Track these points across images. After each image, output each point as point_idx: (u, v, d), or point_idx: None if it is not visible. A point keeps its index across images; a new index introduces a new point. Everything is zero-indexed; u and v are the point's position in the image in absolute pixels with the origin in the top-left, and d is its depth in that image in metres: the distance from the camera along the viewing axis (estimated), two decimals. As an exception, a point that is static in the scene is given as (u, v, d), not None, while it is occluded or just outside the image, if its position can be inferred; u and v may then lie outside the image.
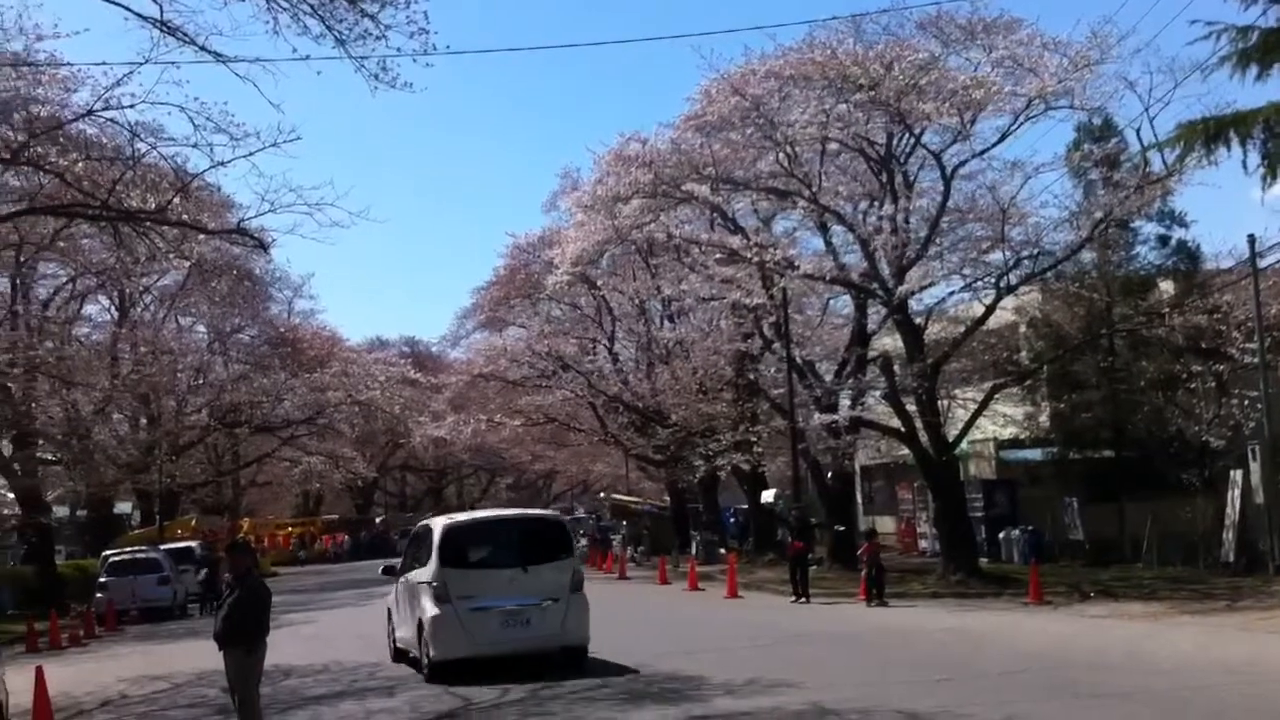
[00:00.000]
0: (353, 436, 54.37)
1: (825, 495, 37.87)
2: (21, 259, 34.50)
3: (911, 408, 29.82)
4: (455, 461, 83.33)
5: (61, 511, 58.50)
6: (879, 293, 29.81)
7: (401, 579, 18.93)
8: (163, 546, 38.09)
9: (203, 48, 17.21)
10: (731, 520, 49.09)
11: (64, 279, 39.98)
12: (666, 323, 46.82)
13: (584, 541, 53.09)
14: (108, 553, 35.61)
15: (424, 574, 17.32)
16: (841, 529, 35.88)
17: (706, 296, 37.98)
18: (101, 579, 33.56)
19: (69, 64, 23.68)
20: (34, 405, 35.79)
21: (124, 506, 60.79)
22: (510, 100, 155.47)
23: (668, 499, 55.86)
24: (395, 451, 74.20)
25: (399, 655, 19.06)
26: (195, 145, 21.03)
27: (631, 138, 34.01)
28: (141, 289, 44.40)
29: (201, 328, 49.68)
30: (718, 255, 33.58)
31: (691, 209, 34.59)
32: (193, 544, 41.47)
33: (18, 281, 36.47)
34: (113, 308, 45.64)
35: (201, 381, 48.80)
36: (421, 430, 50.12)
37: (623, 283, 44.98)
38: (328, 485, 65.74)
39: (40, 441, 38.75)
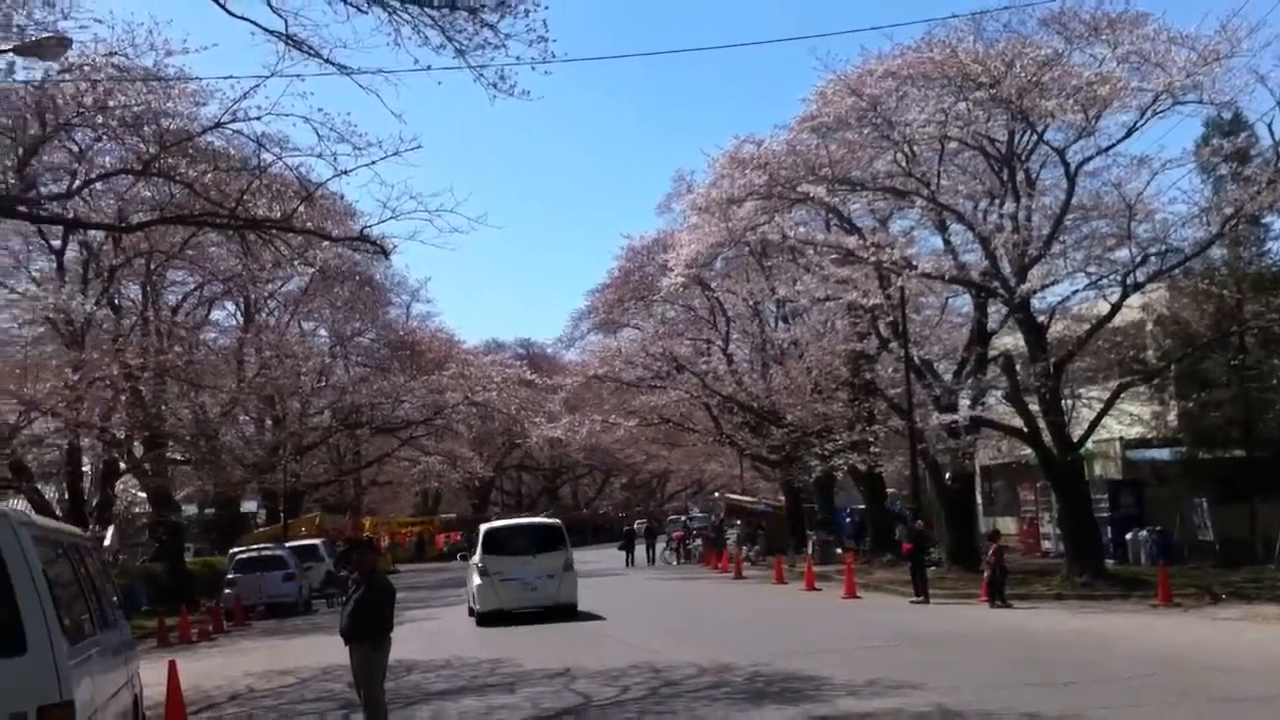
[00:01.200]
0: (470, 437, 55.05)
1: (944, 496, 37.32)
2: (152, 266, 35.61)
3: (1034, 407, 29.31)
4: (570, 461, 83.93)
5: (190, 510, 60.16)
6: (1000, 291, 29.34)
7: (469, 562, 29.11)
8: (287, 544, 38.99)
9: (327, 60, 17.56)
10: (848, 520, 48.63)
11: (192, 285, 41.17)
12: (781, 323, 46.63)
13: (698, 541, 53.36)
14: (235, 550, 36.61)
15: (476, 558, 27.48)
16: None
17: (822, 297, 37.66)
18: (229, 575, 34.54)
19: (198, 78, 24.44)
20: (164, 408, 36.81)
21: (250, 505, 62.19)
22: (624, 104, 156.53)
23: (783, 499, 55.65)
24: (511, 451, 74.99)
25: (470, 611, 27.87)
26: (319, 155, 21.64)
27: (746, 140, 33.99)
28: (266, 294, 45.53)
29: (323, 331, 50.84)
30: (833, 256, 33.34)
31: (807, 210, 34.47)
32: (316, 541, 42.40)
33: (148, 288, 37.58)
34: (239, 313, 46.94)
35: (324, 384, 49.75)
36: (538, 430, 50.60)
37: (737, 284, 44.92)
38: (446, 484, 66.68)
39: (170, 443, 39.84)
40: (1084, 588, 26.77)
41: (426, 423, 51.13)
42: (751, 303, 46.25)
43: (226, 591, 33.65)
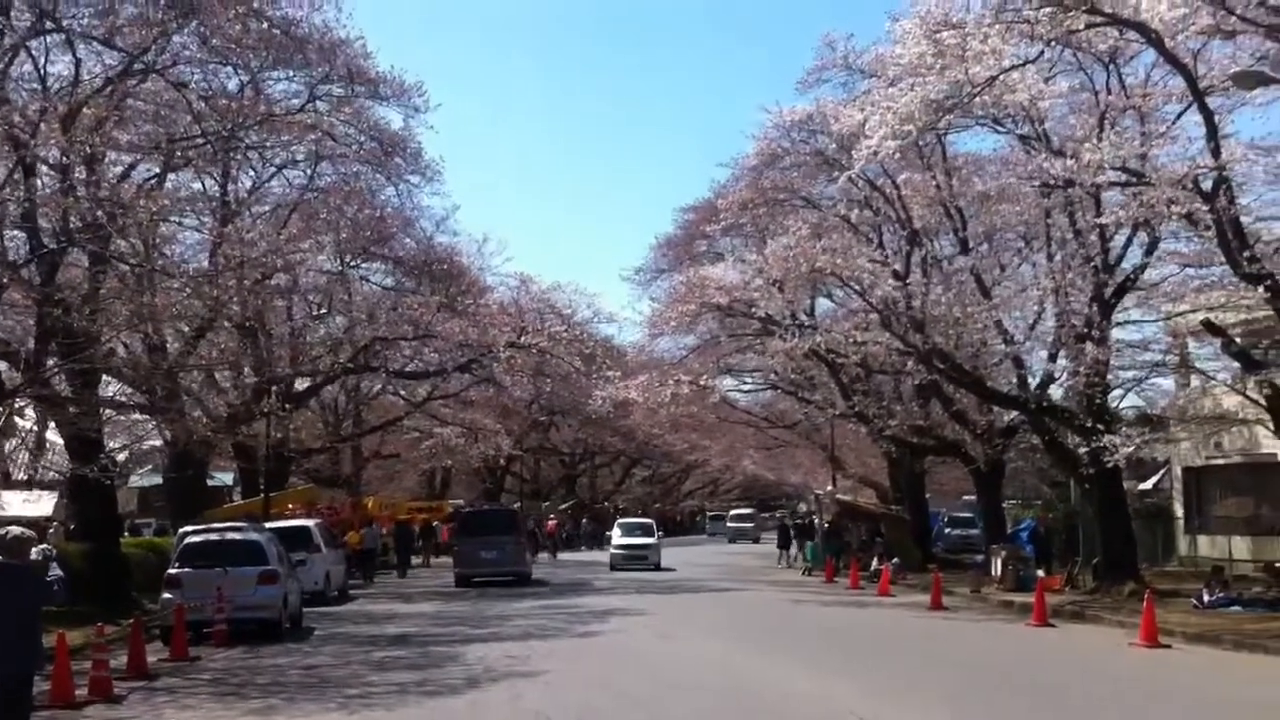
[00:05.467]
0: (514, 394, 42.97)
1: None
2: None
3: None
4: (597, 447, 72.87)
5: (140, 480, 48.69)
6: None
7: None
8: (269, 525, 27.02)
9: None
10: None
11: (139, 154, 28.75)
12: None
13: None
14: (185, 530, 24.23)
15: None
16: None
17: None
18: (172, 570, 22.14)
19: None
20: (100, 324, 24.65)
21: (225, 478, 50.99)
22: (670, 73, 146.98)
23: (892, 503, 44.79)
24: (531, 432, 63.30)
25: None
26: None
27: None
28: (248, 190, 34.04)
29: (326, 246, 37.64)
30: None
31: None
32: (309, 523, 30.62)
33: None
34: (214, 212, 34.13)
35: (324, 310, 37.61)
36: (605, 390, 38.48)
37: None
38: (460, 464, 54.85)
39: (106, 378, 28.03)
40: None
41: (469, 366, 38.00)
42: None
43: (166, 596, 21.40)
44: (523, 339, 37.15)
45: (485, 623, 24.65)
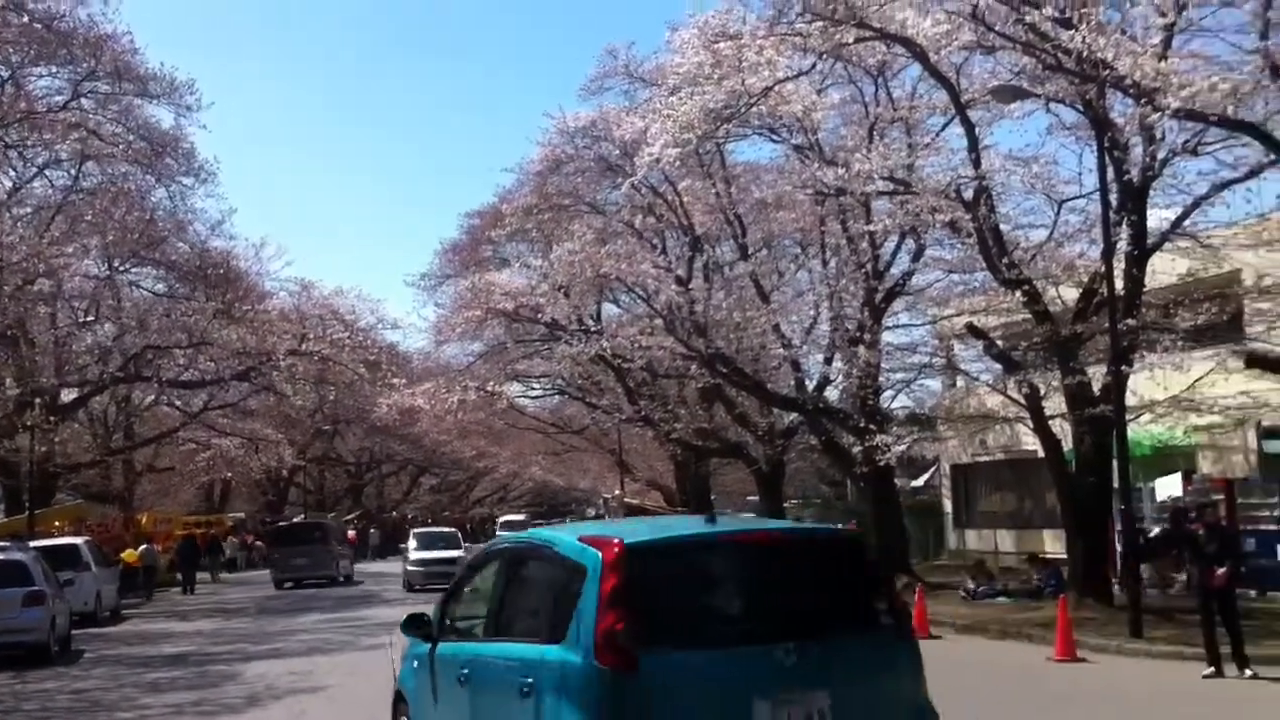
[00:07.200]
0: (295, 402, 41.89)
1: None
2: None
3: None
4: (383, 455, 71.85)
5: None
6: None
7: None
8: (35, 544, 25.83)
9: None
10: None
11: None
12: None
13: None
14: None
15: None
16: None
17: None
18: None
19: None
20: None
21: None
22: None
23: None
24: (315, 441, 61.89)
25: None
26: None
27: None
28: (8, 191, 32.43)
29: (92, 251, 36.00)
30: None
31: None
32: (77, 541, 29.34)
33: None
34: None
35: (92, 319, 35.95)
36: (391, 397, 38.09)
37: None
38: (241, 475, 53.17)
39: None
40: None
41: (248, 374, 36.88)
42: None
43: (-81, 622, 20.33)
44: (304, 346, 36.37)
45: (268, 639, 24.03)
